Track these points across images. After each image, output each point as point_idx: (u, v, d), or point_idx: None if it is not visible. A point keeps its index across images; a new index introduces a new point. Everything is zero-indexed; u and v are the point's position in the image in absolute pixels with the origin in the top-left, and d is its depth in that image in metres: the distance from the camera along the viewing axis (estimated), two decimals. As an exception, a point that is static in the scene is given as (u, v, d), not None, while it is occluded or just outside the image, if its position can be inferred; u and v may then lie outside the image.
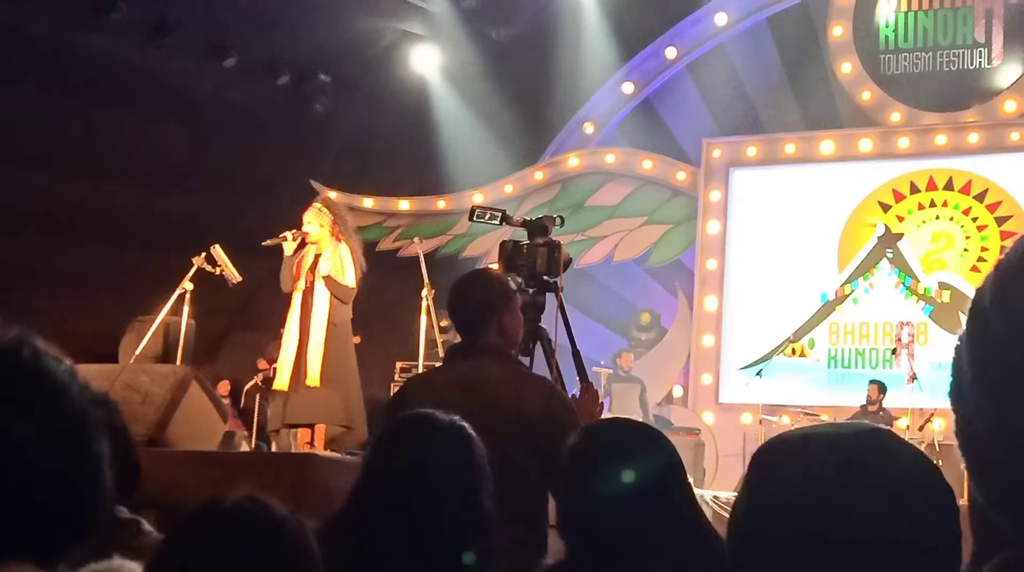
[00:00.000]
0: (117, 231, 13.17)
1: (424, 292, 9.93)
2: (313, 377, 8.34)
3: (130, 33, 12.73)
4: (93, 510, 1.45)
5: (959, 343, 1.07)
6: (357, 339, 9.45)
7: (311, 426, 8.49)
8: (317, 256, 8.54)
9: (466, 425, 2.77)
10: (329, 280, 8.42)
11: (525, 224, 4.96)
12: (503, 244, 4.84)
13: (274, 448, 9.51)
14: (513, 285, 4.36)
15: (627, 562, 2.48)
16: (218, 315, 10.48)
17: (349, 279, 8.53)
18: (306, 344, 8.42)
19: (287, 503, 2.01)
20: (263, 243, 8.61)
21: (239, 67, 14.22)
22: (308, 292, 8.50)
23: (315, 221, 8.58)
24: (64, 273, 12.36)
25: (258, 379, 12.69)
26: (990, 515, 1.09)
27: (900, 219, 14.10)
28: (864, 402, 12.19)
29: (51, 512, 1.41)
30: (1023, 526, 1.04)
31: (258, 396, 12.05)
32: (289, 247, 8.54)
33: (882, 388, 12.15)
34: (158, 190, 13.49)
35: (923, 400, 11.65)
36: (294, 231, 8.54)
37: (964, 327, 1.08)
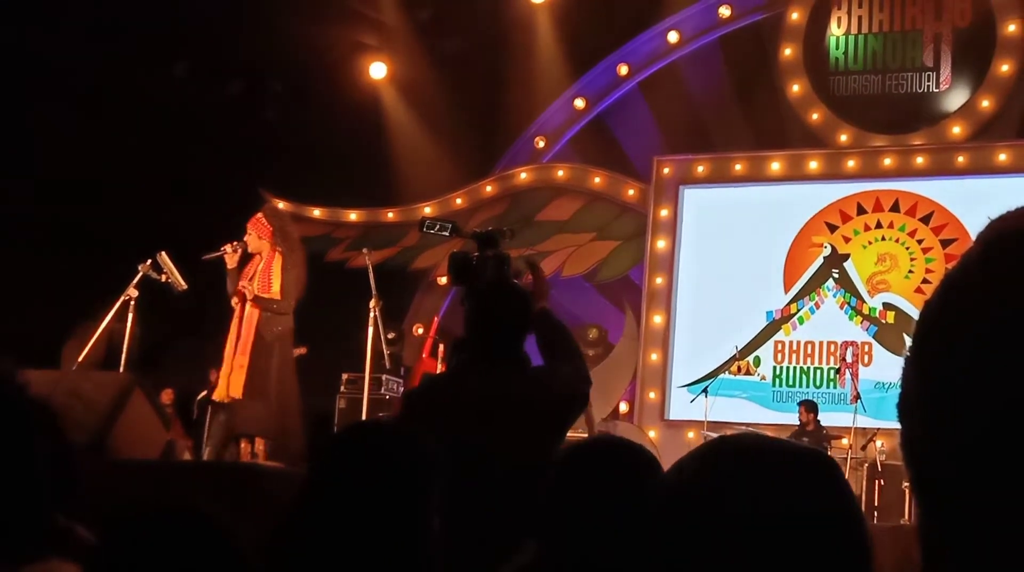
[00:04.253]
0: (61, 235, 13.02)
1: (372, 303, 9.90)
2: (235, 390, 8.35)
3: (81, 36, 12.63)
4: (28, 512, 1.43)
5: (908, 354, 1.07)
6: (303, 350, 9.41)
7: (252, 438, 8.47)
8: (254, 269, 8.60)
9: (417, 434, 2.72)
10: (255, 297, 8.46)
11: (475, 236, 4.93)
12: (452, 256, 4.82)
13: (205, 456, 9.45)
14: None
15: None
16: (163, 323, 10.37)
17: (275, 290, 8.55)
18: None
19: (227, 513, 1.98)
20: (204, 258, 8.62)
21: (189, 73, 14.13)
22: (242, 305, 8.53)
23: (254, 232, 8.65)
24: (7, 277, 12.20)
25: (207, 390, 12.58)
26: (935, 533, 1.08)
27: (846, 240, 14.21)
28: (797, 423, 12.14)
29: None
30: (966, 543, 1.03)
31: (209, 408, 11.95)
32: (232, 259, 8.55)
33: (811, 407, 12.09)
34: (104, 195, 13.36)
35: (866, 420, 11.73)
36: (234, 243, 8.57)
37: (912, 338, 1.08)
